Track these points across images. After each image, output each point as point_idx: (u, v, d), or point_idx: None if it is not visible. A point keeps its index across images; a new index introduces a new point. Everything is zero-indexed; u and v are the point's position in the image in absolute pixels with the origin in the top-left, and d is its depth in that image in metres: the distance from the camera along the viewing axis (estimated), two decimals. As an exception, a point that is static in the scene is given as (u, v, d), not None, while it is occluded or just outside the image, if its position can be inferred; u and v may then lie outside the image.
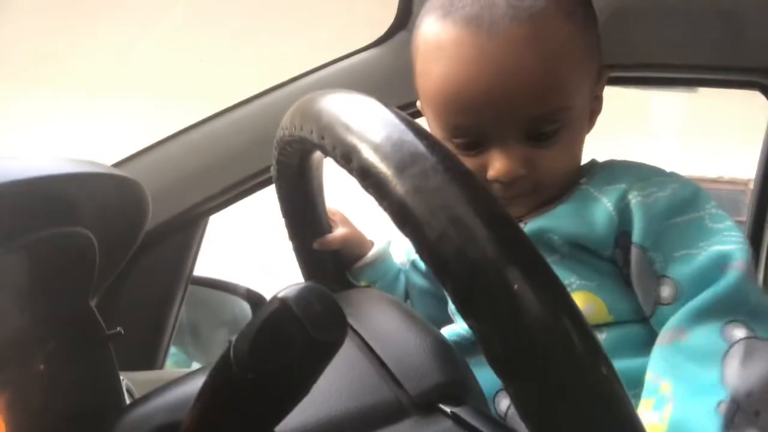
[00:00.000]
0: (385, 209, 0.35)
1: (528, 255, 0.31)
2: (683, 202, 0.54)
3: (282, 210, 0.64)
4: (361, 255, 0.71)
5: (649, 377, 0.48)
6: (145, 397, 0.50)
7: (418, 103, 0.67)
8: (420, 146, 0.35)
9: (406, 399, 0.40)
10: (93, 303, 0.63)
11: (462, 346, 0.54)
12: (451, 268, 0.31)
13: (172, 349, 1.04)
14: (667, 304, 0.50)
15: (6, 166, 0.42)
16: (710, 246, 0.51)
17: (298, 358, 0.28)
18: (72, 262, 0.55)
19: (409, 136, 0.36)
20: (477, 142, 0.57)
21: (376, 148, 0.36)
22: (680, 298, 0.50)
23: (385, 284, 0.72)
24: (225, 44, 2.97)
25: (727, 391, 0.44)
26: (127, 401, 0.67)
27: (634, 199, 0.54)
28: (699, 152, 4.38)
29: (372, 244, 0.73)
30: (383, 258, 0.72)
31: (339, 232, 0.69)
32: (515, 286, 0.29)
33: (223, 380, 0.30)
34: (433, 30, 0.58)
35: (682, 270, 0.50)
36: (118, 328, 0.64)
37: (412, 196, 0.33)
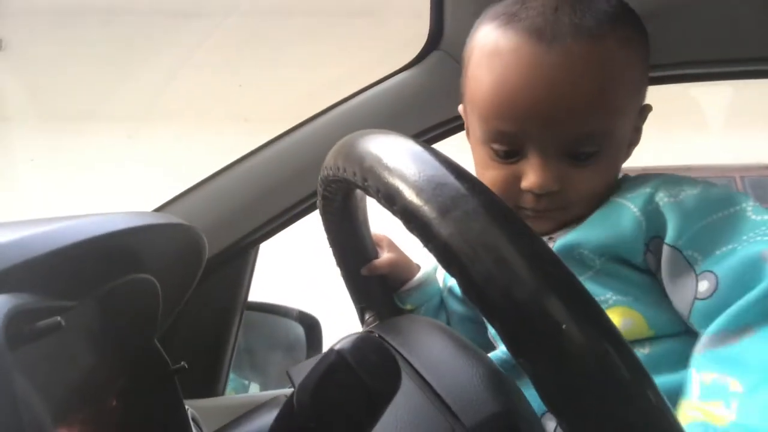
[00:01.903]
0: (430, 251, 0.36)
1: (574, 294, 0.32)
2: (718, 198, 0.53)
3: (329, 240, 0.66)
4: (408, 279, 0.73)
5: (708, 379, 0.45)
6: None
7: (460, 108, 0.68)
8: (462, 188, 0.36)
9: (459, 427, 0.41)
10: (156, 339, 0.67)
11: (505, 369, 0.55)
12: (499, 309, 0.32)
13: (230, 375, 1.07)
14: (705, 298, 0.49)
15: (82, 223, 0.46)
16: (755, 238, 0.49)
17: (356, 407, 0.29)
18: (138, 306, 0.58)
19: (450, 179, 0.37)
20: (516, 151, 0.58)
21: (419, 192, 0.37)
22: (718, 290, 0.48)
23: (430, 307, 0.73)
24: (263, 68, 3.05)
25: None
26: (193, 431, 0.70)
27: (662, 201, 0.54)
28: (750, 140, 4.25)
29: (418, 267, 0.74)
30: (429, 282, 0.73)
31: (386, 257, 0.71)
32: (563, 326, 0.30)
33: (287, 429, 0.32)
34: (491, 37, 0.59)
35: (724, 264, 0.49)
36: (182, 363, 0.67)
37: (457, 239, 0.34)
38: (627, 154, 0.63)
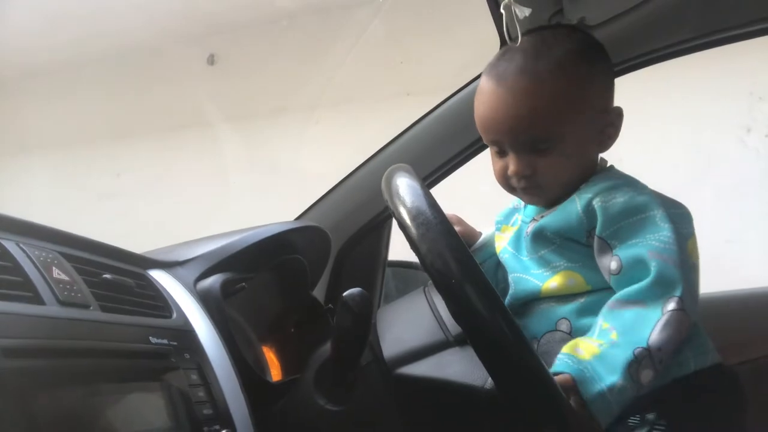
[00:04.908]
0: (406, 238, 0.69)
1: (470, 267, 0.63)
2: (636, 205, 0.76)
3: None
4: (473, 243, 1.02)
5: (604, 326, 0.71)
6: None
7: None
8: (424, 207, 0.69)
9: (450, 337, 0.75)
10: (313, 291, 1.08)
11: (511, 306, 0.84)
12: (433, 274, 0.65)
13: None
14: (615, 274, 0.75)
15: (259, 231, 0.87)
16: (650, 239, 0.73)
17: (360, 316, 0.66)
18: (294, 273, 0.98)
19: (421, 202, 0.69)
20: (503, 150, 0.85)
21: (404, 210, 0.70)
22: (622, 272, 0.74)
23: (491, 264, 1.00)
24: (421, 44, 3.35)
25: (647, 343, 0.69)
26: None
27: (596, 204, 0.78)
28: None
29: (480, 234, 1.03)
30: (489, 244, 1.00)
31: (456, 228, 1.01)
32: (452, 281, 0.62)
33: (344, 325, 0.71)
34: (482, 80, 0.87)
35: (628, 252, 0.74)
36: (329, 305, 1.07)
37: (416, 236, 0.67)
38: (603, 146, 0.85)
